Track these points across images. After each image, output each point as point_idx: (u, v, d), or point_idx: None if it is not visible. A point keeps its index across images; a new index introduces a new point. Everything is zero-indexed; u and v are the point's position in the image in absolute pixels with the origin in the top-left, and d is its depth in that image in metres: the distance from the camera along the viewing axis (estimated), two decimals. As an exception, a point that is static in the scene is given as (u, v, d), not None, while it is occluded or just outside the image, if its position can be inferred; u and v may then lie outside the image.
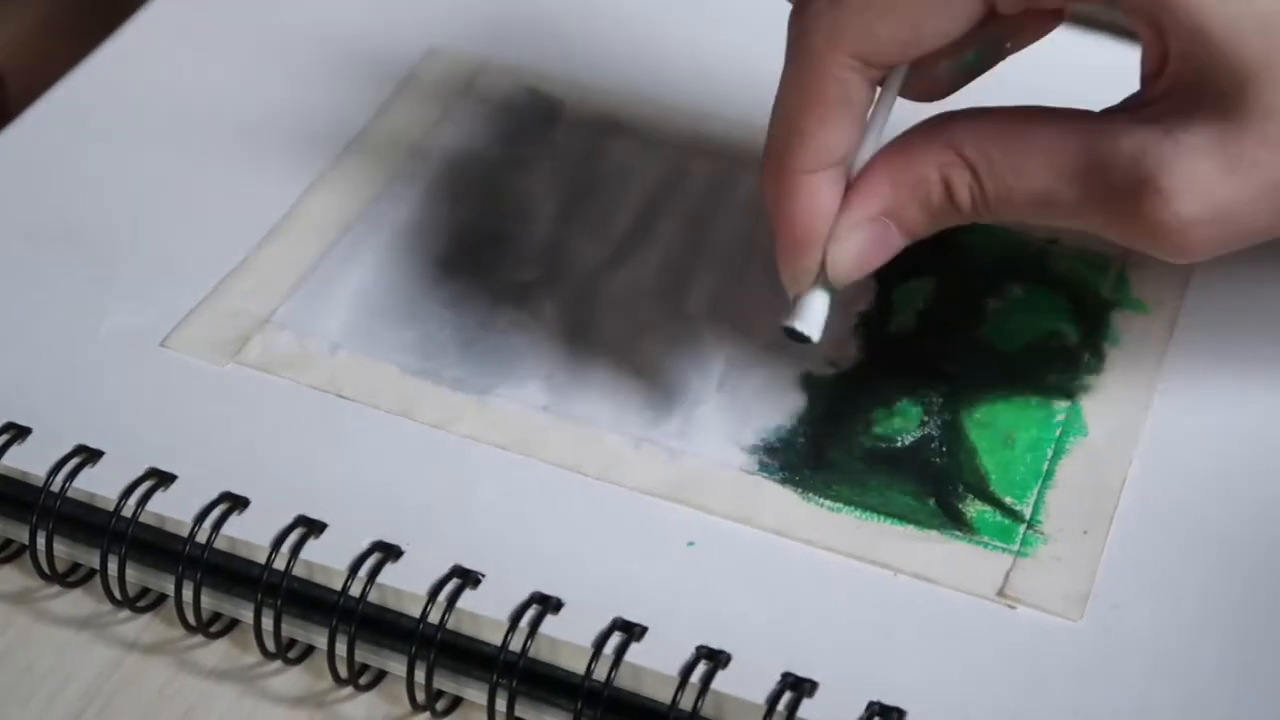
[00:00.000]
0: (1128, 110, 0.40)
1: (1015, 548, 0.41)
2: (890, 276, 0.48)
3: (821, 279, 0.41)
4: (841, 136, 0.40)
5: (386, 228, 0.50)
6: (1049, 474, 0.43)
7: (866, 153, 0.41)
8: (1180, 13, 0.37)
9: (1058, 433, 0.44)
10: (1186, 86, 0.38)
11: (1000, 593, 0.40)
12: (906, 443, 0.44)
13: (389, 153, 0.52)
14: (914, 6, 0.38)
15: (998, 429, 0.44)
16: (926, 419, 0.44)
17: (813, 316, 0.41)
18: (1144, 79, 0.40)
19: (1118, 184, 0.39)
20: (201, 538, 0.41)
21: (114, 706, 0.40)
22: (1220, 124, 0.38)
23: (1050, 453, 0.43)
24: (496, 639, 0.39)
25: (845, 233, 0.40)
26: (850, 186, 0.41)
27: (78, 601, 0.42)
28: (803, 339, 0.41)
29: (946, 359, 0.46)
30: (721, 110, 0.54)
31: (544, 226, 0.50)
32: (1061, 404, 0.45)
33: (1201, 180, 0.38)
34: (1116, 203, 0.39)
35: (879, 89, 0.40)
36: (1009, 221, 0.41)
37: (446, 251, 0.49)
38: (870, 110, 0.40)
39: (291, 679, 0.41)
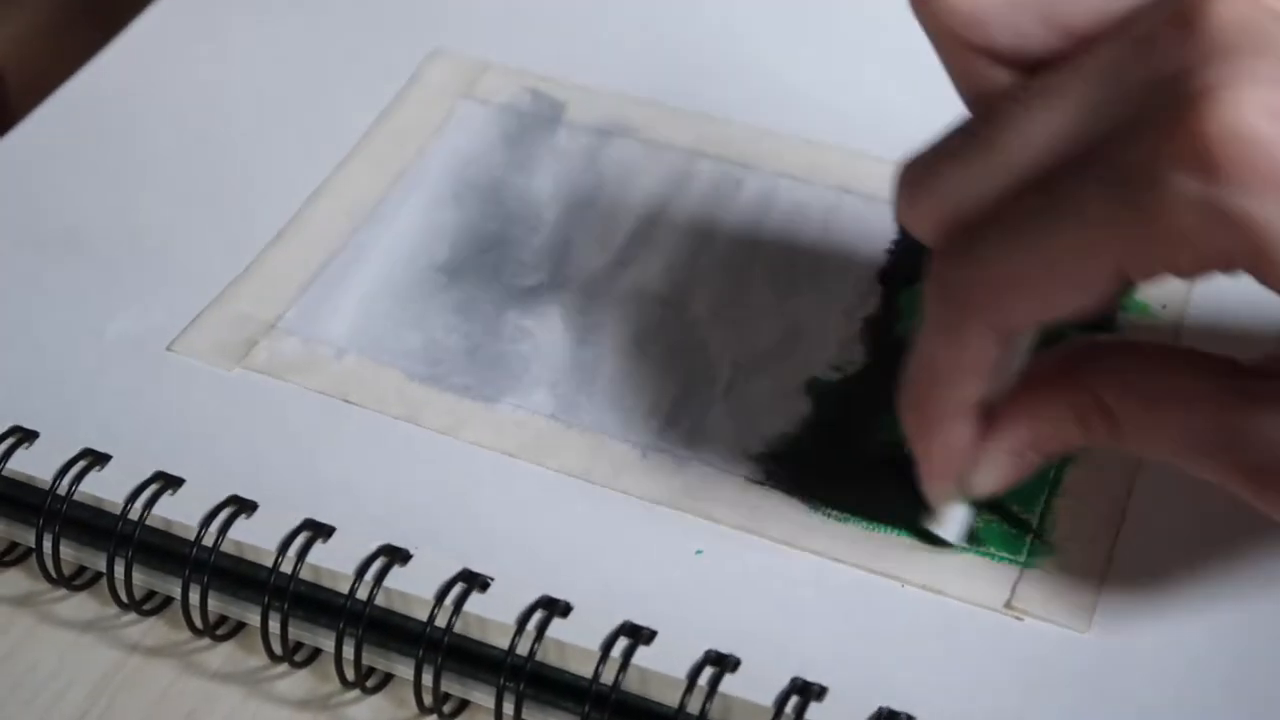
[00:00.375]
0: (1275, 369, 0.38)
1: (1022, 558, 0.41)
2: (895, 280, 0.48)
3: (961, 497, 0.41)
4: (976, 388, 0.39)
5: (391, 232, 0.50)
6: (1056, 484, 0.43)
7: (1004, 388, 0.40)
8: None
9: (1064, 441, 0.44)
10: None
11: (1007, 604, 0.40)
12: (912, 450, 0.44)
13: (393, 156, 0.52)
14: (1052, 288, 0.36)
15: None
16: (932, 426, 0.44)
17: (954, 526, 0.42)
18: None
19: (1263, 464, 0.37)
20: (208, 541, 0.41)
21: (117, 707, 0.40)
22: None
23: (1056, 463, 0.43)
24: (504, 642, 0.39)
25: (985, 464, 0.40)
26: (993, 418, 0.40)
27: (82, 604, 0.42)
28: (942, 543, 0.42)
29: (951, 366, 0.46)
30: (726, 112, 0.54)
31: (548, 230, 0.50)
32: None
33: None
34: (1259, 477, 0.37)
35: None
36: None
37: (451, 256, 0.49)
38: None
39: (297, 682, 0.41)
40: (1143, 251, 0.35)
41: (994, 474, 0.40)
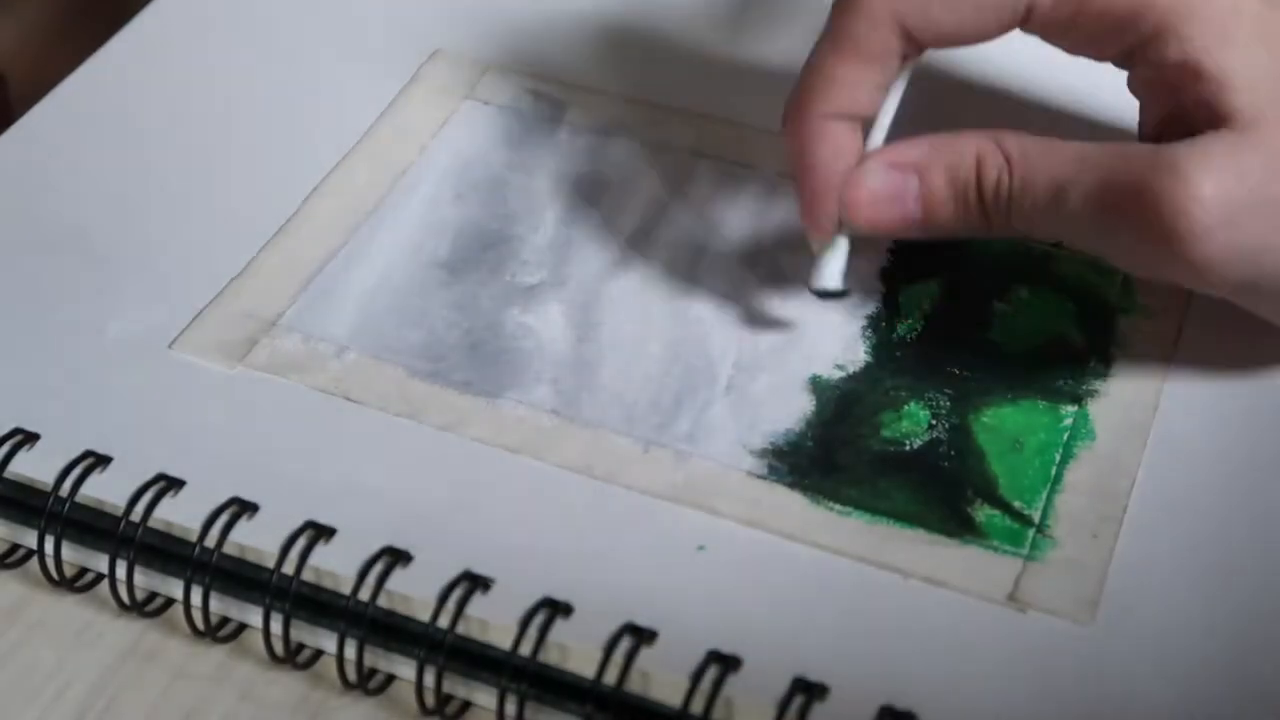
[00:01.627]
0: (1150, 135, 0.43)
1: (1025, 552, 0.41)
2: (897, 279, 0.48)
3: (840, 229, 0.43)
4: (869, 91, 0.42)
5: (392, 230, 0.50)
6: (1057, 478, 0.43)
7: (880, 129, 0.43)
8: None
9: (1065, 437, 0.44)
10: (1192, 122, 0.41)
11: (1011, 597, 0.40)
12: (915, 446, 0.44)
13: (395, 155, 0.52)
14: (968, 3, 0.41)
15: (1006, 433, 0.44)
16: (934, 422, 0.44)
17: (830, 268, 0.43)
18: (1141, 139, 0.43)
19: (1138, 184, 0.40)
20: (210, 543, 0.41)
21: (116, 707, 0.40)
22: (1230, 138, 0.40)
23: (1058, 457, 0.43)
24: (506, 643, 0.39)
25: (867, 173, 0.43)
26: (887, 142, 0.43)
27: (83, 605, 0.42)
28: (827, 294, 0.43)
29: (954, 362, 0.46)
30: (726, 112, 0.54)
31: (549, 229, 0.50)
32: (1069, 408, 0.45)
33: (1215, 181, 0.39)
34: (1135, 206, 0.40)
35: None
36: (1023, 226, 0.42)
37: (452, 254, 0.49)
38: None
39: (291, 683, 0.41)
40: None
41: (872, 190, 0.43)
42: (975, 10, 0.42)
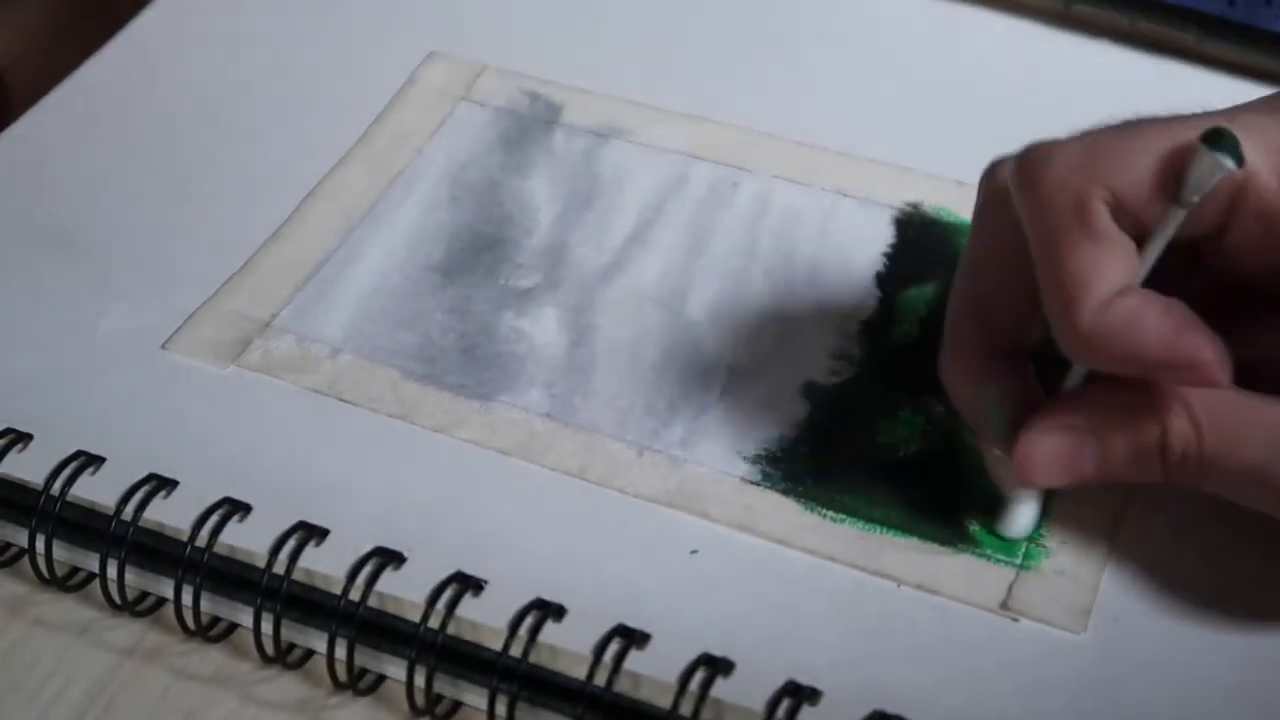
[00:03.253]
0: None
1: (1018, 560, 0.41)
2: (892, 284, 0.48)
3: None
4: (1120, 263, 0.38)
5: (387, 232, 0.50)
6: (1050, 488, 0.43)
7: (1143, 273, 0.39)
8: None
9: (1060, 444, 0.44)
10: None
11: (1003, 605, 0.40)
12: (909, 453, 0.44)
13: (390, 157, 0.52)
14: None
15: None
16: (929, 429, 0.44)
17: (1024, 519, 0.42)
18: None
19: None
20: (201, 543, 0.40)
21: (116, 708, 0.40)
22: None
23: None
24: (497, 645, 0.39)
25: (1041, 436, 0.39)
26: (1064, 395, 0.40)
27: (77, 605, 0.42)
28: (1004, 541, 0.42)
29: (948, 368, 0.46)
30: (722, 115, 0.54)
31: (544, 232, 0.50)
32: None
33: None
34: None
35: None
36: (1209, 491, 0.40)
37: (447, 256, 0.49)
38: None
39: (290, 684, 0.41)
40: None
41: (1047, 449, 0.39)
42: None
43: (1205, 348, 0.37)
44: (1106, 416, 0.39)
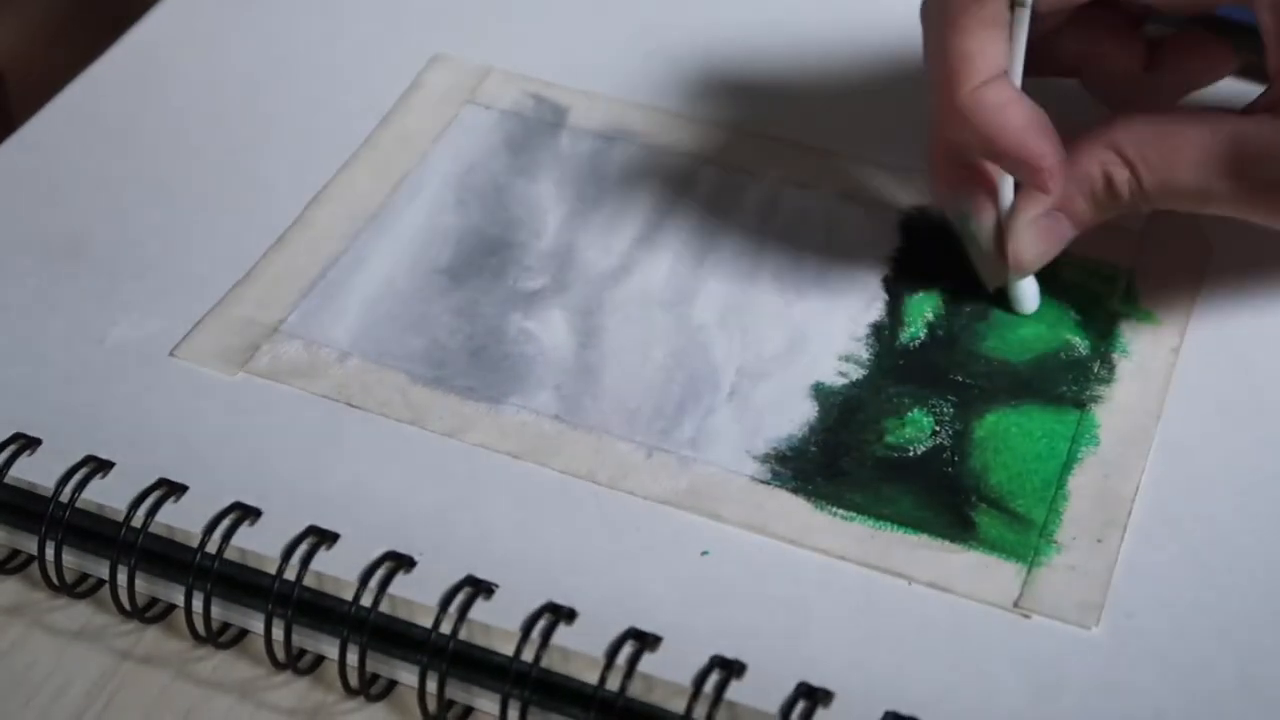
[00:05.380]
0: (1263, 106, 0.43)
1: (1029, 557, 0.41)
2: (900, 288, 0.48)
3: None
4: (1002, 50, 0.43)
5: (393, 236, 0.50)
6: (1061, 483, 0.43)
7: (1017, 71, 0.44)
8: None
9: (1069, 443, 0.44)
10: None
11: (1015, 602, 0.40)
12: (918, 452, 0.44)
13: (395, 160, 0.52)
14: None
15: (1009, 439, 0.44)
16: (938, 429, 0.44)
17: (1030, 291, 0.47)
18: (1270, 75, 0.43)
19: (1263, 175, 0.42)
20: (212, 549, 0.40)
21: (115, 709, 0.40)
22: None
23: (1062, 462, 0.43)
24: (509, 649, 0.39)
25: (1021, 229, 0.45)
26: (1020, 189, 0.45)
27: (84, 611, 0.42)
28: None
29: (957, 369, 0.46)
30: (728, 118, 0.53)
31: (551, 234, 0.50)
32: (1072, 414, 0.44)
33: None
34: (1264, 192, 0.42)
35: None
36: (1167, 208, 0.44)
37: (454, 259, 0.49)
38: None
39: (299, 689, 0.41)
40: None
41: (1031, 240, 0.45)
42: None
43: (1047, 156, 0.43)
44: (1063, 191, 0.44)
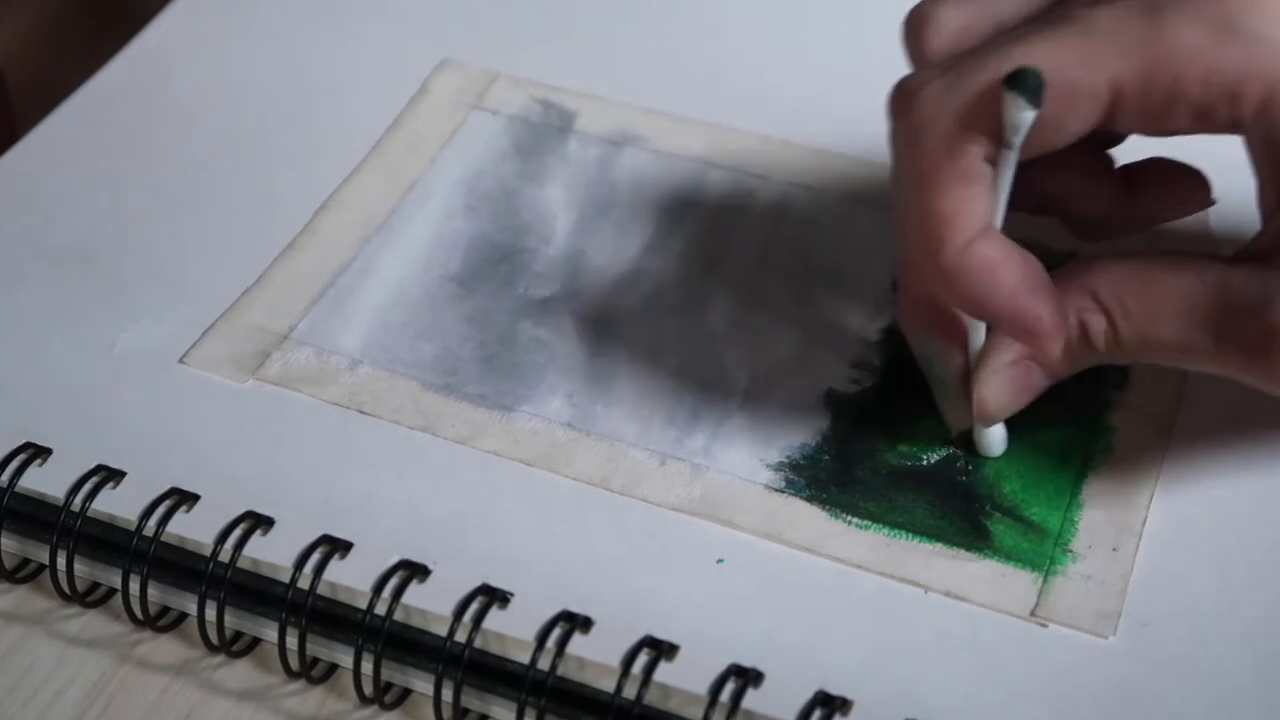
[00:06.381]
0: (1254, 254, 0.40)
1: (1045, 566, 0.41)
2: (911, 291, 0.48)
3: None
4: (981, 206, 0.39)
5: (403, 243, 0.50)
6: (1076, 491, 0.43)
7: (999, 217, 0.40)
8: None
9: (1084, 450, 0.44)
10: None
11: (1032, 611, 0.40)
12: (932, 460, 0.44)
13: (404, 167, 0.52)
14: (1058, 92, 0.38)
15: (1023, 446, 0.44)
16: (951, 436, 0.44)
17: (997, 436, 0.43)
18: (1264, 215, 0.40)
19: (1249, 333, 0.39)
20: (224, 558, 0.40)
21: (114, 710, 0.40)
22: None
23: (1077, 470, 0.43)
24: (524, 658, 0.39)
25: (989, 375, 0.42)
26: (991, 332, 0.42)
27: (95, 620, 0.42)
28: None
29: (970, 375, 0.46)
30: (736, 122, 0.53)
31: (561, 241, 0.50)
32: (1087, 421, 0.44)
33: None
34: (1249, 352, 0.39)
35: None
36: (1144, 362, 0.41)
37: (464, 266, 0.49)
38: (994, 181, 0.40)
39: (310, 697, 0.41)
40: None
41: (999, 389, 0.42)
42: (1052, 116, 0.38)
43: (1044, 317, 0.39)
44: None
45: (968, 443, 0.44)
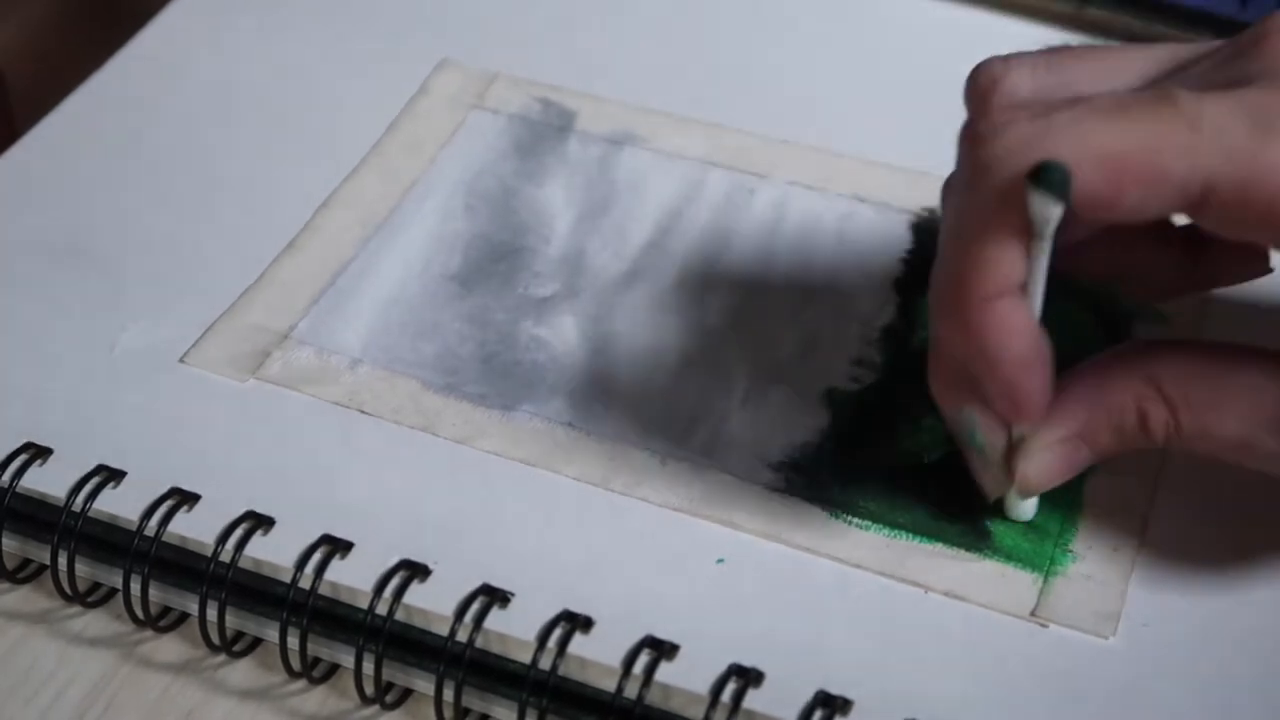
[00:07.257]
0: None
1: (1045, 566, 0.41)
2: (912, 290, 0.48)
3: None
4: (1020, 264, 0.37)
5: (403, 242, 0.50)
6: (1077, 491, 0.43)
7: (1037, 304, 0.38)
8: None
9: (1084, 449, 0.44)
10: None
11: (1032, 611, 0.40)
12: (932, 459, 0.44)
13: (404, 166, 0.52)
14: (1123, 164, 0.36)
15: (1024, 445, 0.44)
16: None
17: (1029, 501, 0.42)
18: None
19: None
20: (225, 558, 0.40)
21: (115, 710, 0.40)
22: None
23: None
24: (525, 658, 0.39)
25: (1038, 450, 0.40)
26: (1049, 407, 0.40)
27: (96, 620, 0.42)
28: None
29: (970, 374, 0.46)
30: (737, 121, 0.53)
31: (561, 240, 0.50)
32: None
33: None
34: None
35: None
36: (1201, 453, 0.40)
37: (464, 265, 0.49)
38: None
39: (311, 696, 0.41)
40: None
41: (1044, 466, 0.40)
42: (1138, 199, 0.36)
43: (1034, 406, 0.38)
44: (1089, 418, 0.40)
45: (999, 507, 0.42)
